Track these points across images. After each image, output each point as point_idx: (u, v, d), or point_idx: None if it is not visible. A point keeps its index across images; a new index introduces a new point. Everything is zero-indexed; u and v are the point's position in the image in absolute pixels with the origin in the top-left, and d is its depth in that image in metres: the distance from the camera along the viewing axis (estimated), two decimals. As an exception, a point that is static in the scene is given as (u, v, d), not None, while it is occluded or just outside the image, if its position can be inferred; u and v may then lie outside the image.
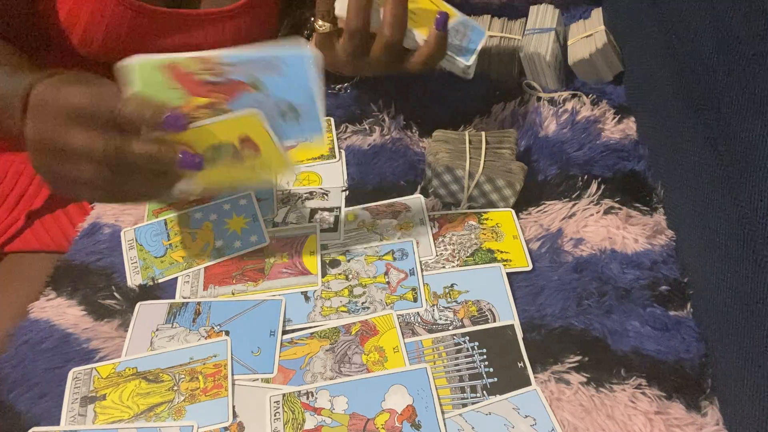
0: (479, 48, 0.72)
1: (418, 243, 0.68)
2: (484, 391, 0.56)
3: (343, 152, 0.79)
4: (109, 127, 0.52)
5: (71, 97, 0.53)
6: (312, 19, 0.71)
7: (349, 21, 0.65)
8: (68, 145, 0.52)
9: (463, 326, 0.61)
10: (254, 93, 0.54)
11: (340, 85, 0.86)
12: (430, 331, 0.60)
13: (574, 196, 0.73)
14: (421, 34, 0.68)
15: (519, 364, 0.57)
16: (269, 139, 0.55)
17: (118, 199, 0.58)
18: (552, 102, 0.84)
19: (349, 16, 0.65)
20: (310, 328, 0.61)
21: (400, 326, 0.60)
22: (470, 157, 0.70)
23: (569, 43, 0.90)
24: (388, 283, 0.64)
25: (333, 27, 0.68)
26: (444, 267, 0.66)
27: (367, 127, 0.82)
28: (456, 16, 0.72)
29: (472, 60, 0.70)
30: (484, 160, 0.70)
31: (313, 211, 0.72)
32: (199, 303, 0.64)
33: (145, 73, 0.55)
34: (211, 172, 0.55)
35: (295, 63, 0.54)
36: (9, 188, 0.83)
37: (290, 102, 0.55)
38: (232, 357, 0.59)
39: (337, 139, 0.81)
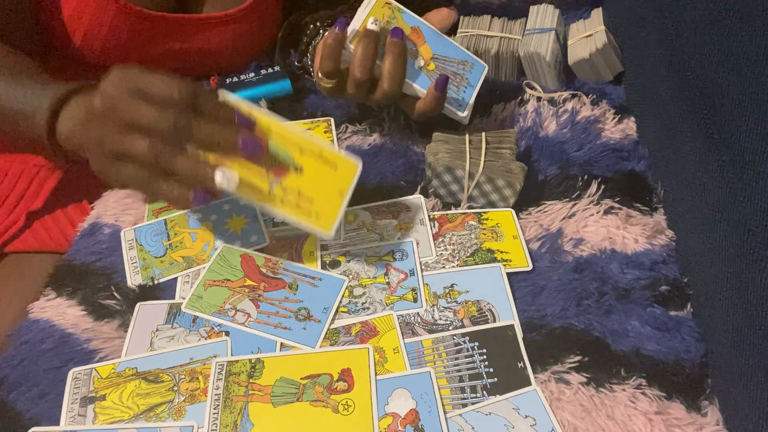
0: (476, 92, 0.74)
1: (418, 243, 0.68)
2: (484, 391, 0.56)
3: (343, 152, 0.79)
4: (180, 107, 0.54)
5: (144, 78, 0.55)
6: (317, 73, 0.73)
7: (353, 73, 0.67)
8: (137, 118, 0.54)
9: (463, 326, 0.61)
10: (287, 292, 0.62)
11: None
12: (430, 332, 0.60)
13: (574, 196, 0.73)
14: (419, 87, 0.70)
15: (519, 364, 0.57)
16: (368, 384, 0.55)
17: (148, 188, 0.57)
18: (552, 102, 0.84)
19: (353, 69, 0.67)
20: (310, 328, 0.61)
21: (400, 326, 0.60)
22: (470, 157, 0.70)
23: (569, 43, 0.90)
24: (388, 283, 0.64)
25: (336, 83, 0.70)
26: (444, 267, 0.66)
27: (367, 127, 0.82)
28: (456, 50, 0.73)
29: (466, 113, 0.73)
30: (484, 160, 0.70)
31: (313, 211, 0.72)
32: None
33: (225, 253, 0.67)
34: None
35: (332, 284, 0.63)
36: (9, 189, 0.83)
37: (308, 309, 0.61)
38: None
39: (337, 139, 0.81)
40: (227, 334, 0.61)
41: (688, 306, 0.63)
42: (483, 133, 0.73)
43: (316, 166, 0.59)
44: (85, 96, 0.62)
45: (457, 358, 0.58)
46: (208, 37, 0.82)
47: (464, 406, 0.55)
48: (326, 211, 0.59)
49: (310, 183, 0.58)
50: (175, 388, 0.57)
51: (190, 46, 0.82)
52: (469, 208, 0.72)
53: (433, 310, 0.62)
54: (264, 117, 0.59)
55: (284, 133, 0.59)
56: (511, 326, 0.60)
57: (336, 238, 0.69)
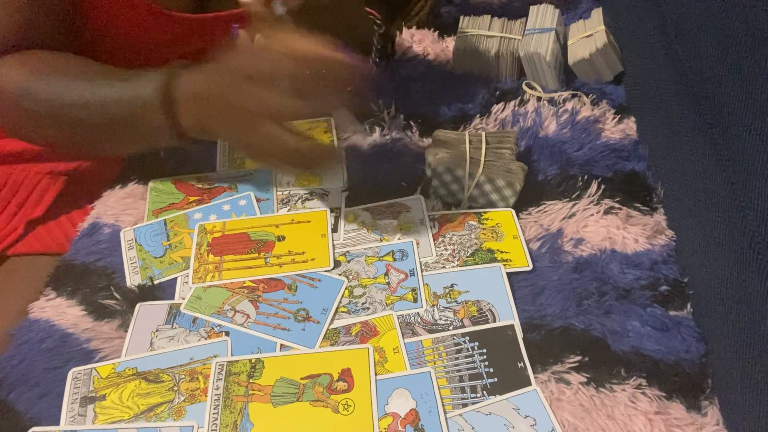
0: None
1: (418, 243, 0.68)
2: (484, 391, 0.56)
3: (343, 152, 0.79)
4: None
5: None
6: None
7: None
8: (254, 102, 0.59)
9: (463, 326, 0.61)
10: (286, 292, 0.64)
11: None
12: (430, 332, 0.60)
13: (574, 196, 0.73)
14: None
15: (519, 364, 0.57)
16: (368, 383, 0.56)
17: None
18: (552, 102, 0.84)
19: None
20: (310, 328, 0.61)
21: (400, 326, 0.60)
22: (470, 157, 0.70)
23: (569, 43, 0.90)
24: (388, 283, 0.64)
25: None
26: (444, 267, 0.66)
27: (367, 127, 0.82)
28: None
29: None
30: (484, 160, 0.70)
31: (313, 211, 0.72)
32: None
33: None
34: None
35: (331, 285, 0.64)
36: (9, 196, 0.82)
37: (307, 310, 0.62)
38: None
39: (337, 139, 0.81)
40: (227, 334, 0.61)
41: (688, 306, 0.63)
42: (483, 133, 0.73)
43: (293, 229, 0.69)
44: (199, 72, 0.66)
45: (457, 358, 0.58)
46: (215, 33, 0.81)
47: (464, 406, 0.55)
48: (318, 253, 0.67)
49: (296, 242, 0.68)
50: (175, 388, 0.57)
51: (210, 45, 0.81)
52: (469, 208, 0.72)
53: (433, 310, 0.62)
54: (238, 221, 0.71)
55: (258, 221, 0.70)
56: (511, 326, 0.60)
57: (336, 239, 0.69)
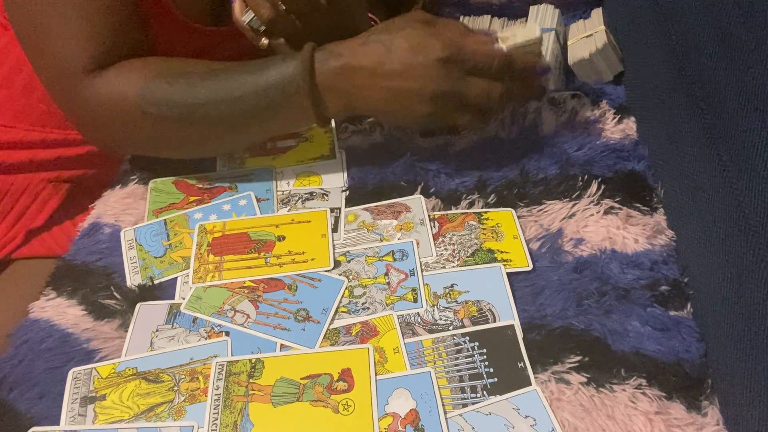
0: None
1: (418, 243, 0.68)
2: (484, 392, 0.56)
3: (343, 152, 0.79)
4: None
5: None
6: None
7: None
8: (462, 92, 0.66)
9: (463, 326, 0.61)
10: (286, 292, 0.64)
11: None
12: (431, 332, 0.60)
13: (574, 196, 0.73)
14: None
15: (519, 364, 0.57)
16: (368, 383, 0.55)
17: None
18: (552, 102, 0.84)
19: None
20: (310, 328, 0.61)
21: (401, 326, 0.60)
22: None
23: (569, 43, 0.90)
24: (388, 283, 0.64)
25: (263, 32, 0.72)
26: (444, 267, 0.66)
27: (367, 127, 0.82)
28: None
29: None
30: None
31: (313, 211, 0.72)
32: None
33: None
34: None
35: (331, 285, 0.64)
36: (9, 206, 0.82)
37: (307, 310, 0.62)
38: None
39: (337, 139, 0.81)
40: (227, 334, 0.61)
41: (688, 306, 0.63)
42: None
43: (293, 229, 0.69)
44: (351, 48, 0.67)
45: (457, 358, 0.58)
46: (240, 44, 0.81)
47: (464, 406, 0.55)
48: (319, 253, 0.67)
49: (296, 242, 0.68)
50: (175, 388, 0.57)
51: (235, 53, 0.81)
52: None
53: (433, 310, 0.62)
54: (238, 221, 0.71)
55: (258, 221, 0.71)
56: (511, 326, 0.60)
57: (336, 238, 0.69)
